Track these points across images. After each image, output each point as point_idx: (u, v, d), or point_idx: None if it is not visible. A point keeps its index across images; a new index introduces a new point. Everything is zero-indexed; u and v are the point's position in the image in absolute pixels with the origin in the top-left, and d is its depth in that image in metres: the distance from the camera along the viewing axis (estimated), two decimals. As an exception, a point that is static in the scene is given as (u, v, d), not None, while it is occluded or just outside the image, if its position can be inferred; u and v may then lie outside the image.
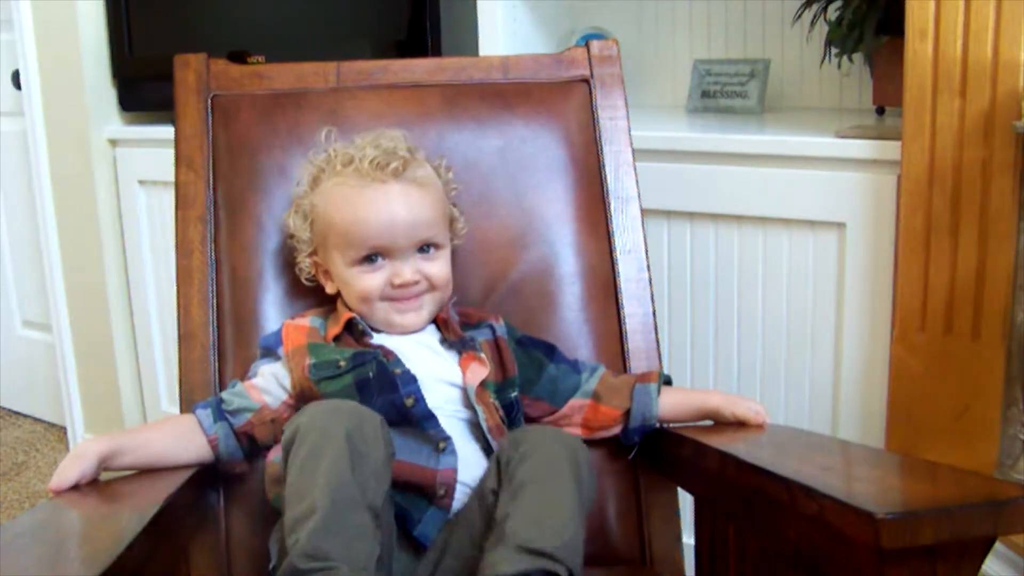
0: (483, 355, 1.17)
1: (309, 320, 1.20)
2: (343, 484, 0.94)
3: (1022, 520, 0.82)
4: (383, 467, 1.00)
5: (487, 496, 1.03)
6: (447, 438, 1.09)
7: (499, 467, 1.02)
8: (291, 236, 1.23)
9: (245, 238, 1.29)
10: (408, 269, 1.17)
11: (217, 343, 1.26)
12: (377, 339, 1.17)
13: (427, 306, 1.19)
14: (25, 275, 2.73)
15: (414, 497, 1.07)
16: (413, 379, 1.11)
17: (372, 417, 1.01)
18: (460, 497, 1.08)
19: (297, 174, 1.26)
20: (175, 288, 1.29)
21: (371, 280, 1.17)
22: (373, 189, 1.15)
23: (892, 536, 0.80)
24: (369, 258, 1.17)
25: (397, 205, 1.15)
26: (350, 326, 1.18)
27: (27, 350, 2.79)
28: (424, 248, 1.18)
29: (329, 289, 1.22)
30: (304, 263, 1.23)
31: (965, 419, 1.34)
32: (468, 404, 1.14)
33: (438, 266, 1.19)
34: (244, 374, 1.22)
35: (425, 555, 1.06)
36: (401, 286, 1.16)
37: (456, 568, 1.04)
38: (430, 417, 1.09)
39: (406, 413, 1.09)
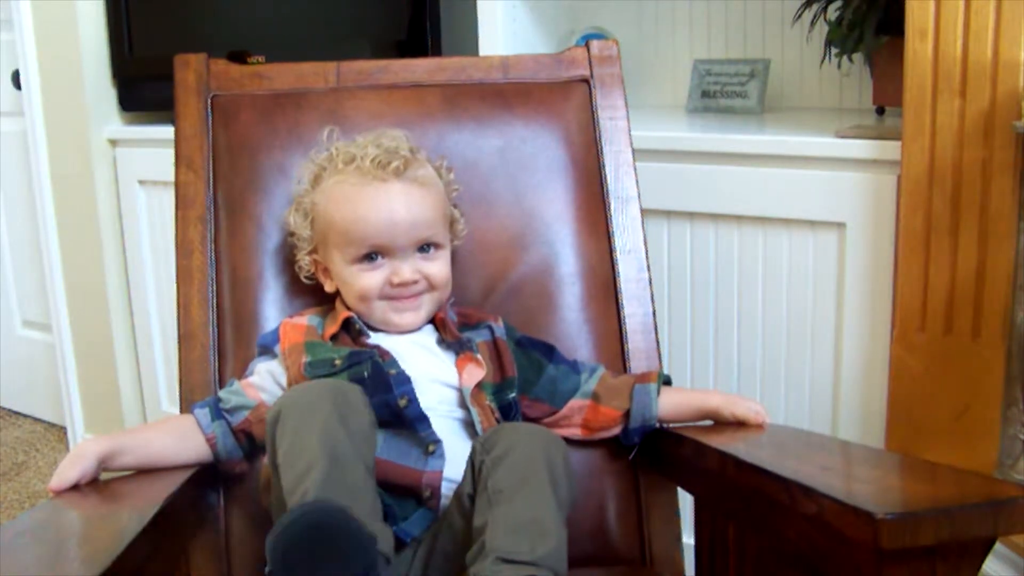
0: (480, 356, 1.17)
1: (307, 319, 1.20)
2: (338, 442, 0.95)
3: (1022, 520, 0.82)
4: (370, 430, 1.01)
5: (464, 500, 1.02)
6: (437, 441, 1.08)
7: (473, 471, 1.01)
8: (291, 234, 1.24)
9: (245, 238, 1.29)
10: (407, 268, 1.17)
11: (217, 343, 1.26)
12: (374, 339, 1.17)
13: (425, 306, 1.19)
14: (25, 275, 2.73)
15: (402, 498, 1.07)
16: (407, 380, 1.11)
17: (352, 388, 1.03)
18: (450, 496, 1.08)
19: (298, 172, 1.26)
20: (175, 288, 1.29)
21: (370, 279, 1.17)
22: (374, 187, 1.15)
23: (892, 536, 0.79)
24: (369, 256, 1.17)
25: (398, 204, 1.15)
26: (347, 325, 1.18)
27: (27, 350, 2.79)
28: (424, 248, 1.18)
29: (328, 287, 1.22)
30: (304, 261, 1.23)
31: (965, 419, 1.34)
32: (463, 405, 1.14)
33: (437, 266, 1.19)
34: (244, 374, 1.22)
35: (416, 554, 1.06)
36: (400, 285, 1.16)
37: (445, 568, 1.04)
38: (422, 419, 1.09)
39: (399, 414, 1.09)
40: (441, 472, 1.07)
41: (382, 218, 1.15)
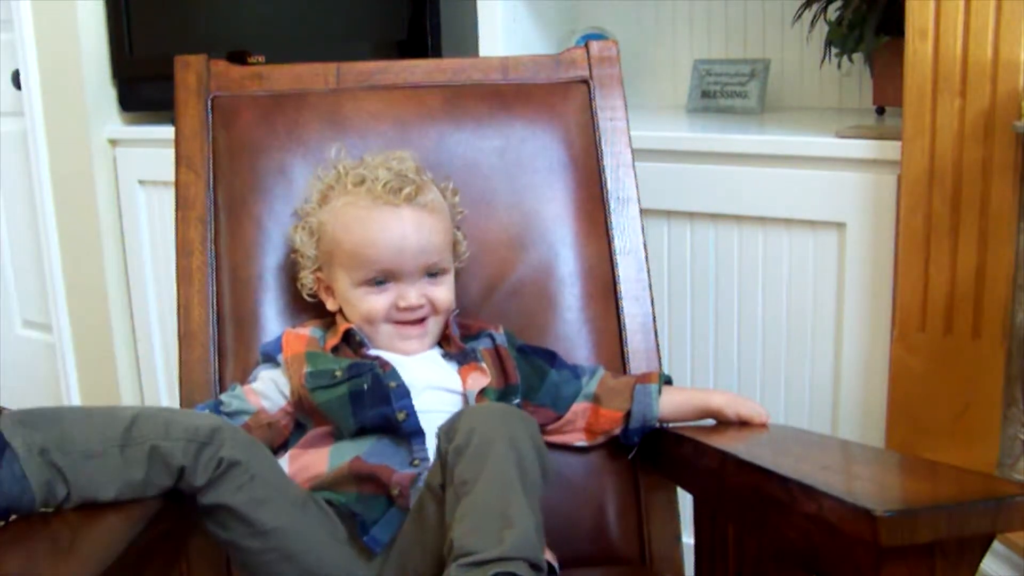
0: (484, 364, 1.17)
1: (310, 330, 1.20)
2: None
3: (1021, 518, 0.82)
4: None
5: (437, 492, 0.99)
6: (425, 459, 1.08)
7: (441, 461, 0.99)
8: (295, 251, 1.24)
9: (245, 238, 1.29)
10: (414, 293, 1.17)
11: (217, 343, 1.27)
12: (375, 350, 1.18)
13: (431, 332, 1.19)
14: (25, 275, 2.73)
15: (371, 496, 1.06)
16: (407, 394, 1.11)
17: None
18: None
19: (305, 190, 1.26)
20: (175, 288, 1.29)
21: (376, 302, 1.17)
22: (386, 212, 1.16)
23: (891, 534, 0.80)
24: (376, 280, 1.17)
25: (409, 230, 1.16)
26: (348, 337, 1.18)
27: (27, 350, 2.79)
28: (430, 273, 1.18)
29: (330, 306, 1.22)
30: (307, 279, 1.23)
31: (965, 419, 1.34)
32: None
33: (442, 291, 1.19)
34: (244, 374, 1.22)
35: (388, 554, 1.05)
36: (406, 309, 1.16)
37: (426, 561, 1.02)
38: (419, 434, 1.09)
39: (397, 427, 1.09)
40: (414, 476, 1.07)
41: (393, 243, 1.15)
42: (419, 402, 1.11)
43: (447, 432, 0.99)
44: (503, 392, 1.17)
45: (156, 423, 0.95)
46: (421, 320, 1.18)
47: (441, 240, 1.19)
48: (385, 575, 1.04)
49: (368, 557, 1.05)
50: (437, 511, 0.99)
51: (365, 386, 1.11)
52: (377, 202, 1.16)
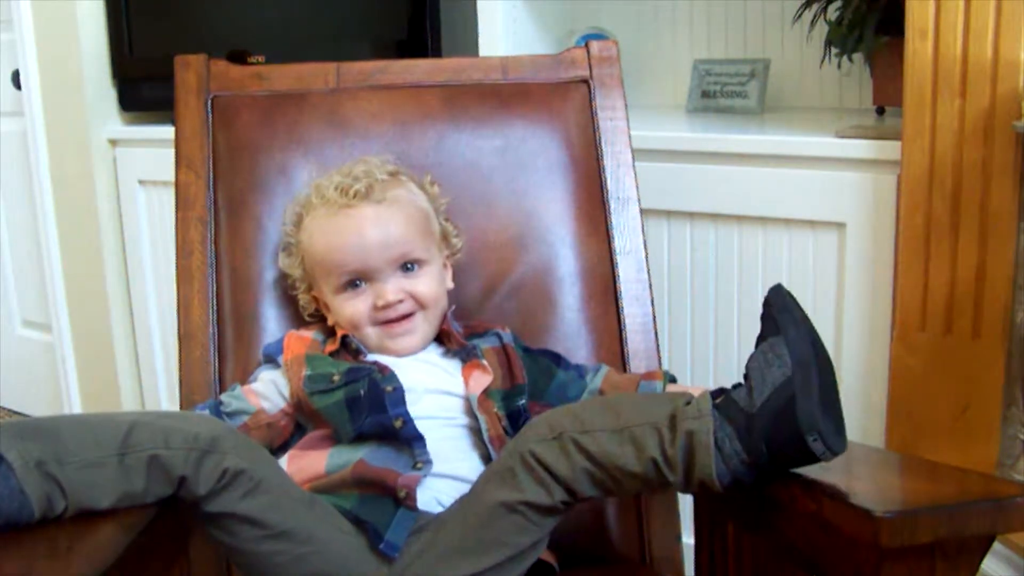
0: (486, 362, 1.16)
1: (312, 333, 1.20)
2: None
3: (1021, 518, 0.82)
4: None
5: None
6: (428, 461, 1.07)
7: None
8: (287, 277, 1.24)
9: (245, 238, 1.29)
10: (390, 289, 1.16)
11: (217, 343, 1.27)
12: (372, 355, 1.17)
13: (420, 329, 1.18)
14: (25, 275, 2.73)
15: (377, 501, 1.05)
16: (402, 399, 1.10)
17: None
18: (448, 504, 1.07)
19: (283, 216, 1.26)
20: (175, 288, 1.29)
21: (356, 305, 1.16)
22: (342, 215, 1.16)
23: (891, 534, 0.80)
24: (352, 283, 1.17)
25: (366, 226, 1.15)
26: (345, 342, 1.18)
27: (27, 350, 2.79)
28: (407, 266, 1.17)
29: (330, 321, 1.22)
30: (303, 300, 1.23)
31: (965, 419, 1.34)
32: (470, 412, 1.13)
33: (423, 283, 1.18)
34: (244, 374, 1.22)
35: (409, 563, 1.03)
36: (385, 307, 1.16)
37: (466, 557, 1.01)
38: (419, 439, 1.08)
39: (395, 433, 1.08)
40: (419, 477, 1.06)
41: (351, 243, 1.15)
42: (418, 408, 1.11)
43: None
44: (509, 392, 1.16)
45: (154, 431, 0.94)
46: (406, 316, 1.17)
47: (406, 231, 1.17)
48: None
49: (385, 561, 1.03)
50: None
51: (361, 391, 1.10)
52: (332, 208, 1.17)
